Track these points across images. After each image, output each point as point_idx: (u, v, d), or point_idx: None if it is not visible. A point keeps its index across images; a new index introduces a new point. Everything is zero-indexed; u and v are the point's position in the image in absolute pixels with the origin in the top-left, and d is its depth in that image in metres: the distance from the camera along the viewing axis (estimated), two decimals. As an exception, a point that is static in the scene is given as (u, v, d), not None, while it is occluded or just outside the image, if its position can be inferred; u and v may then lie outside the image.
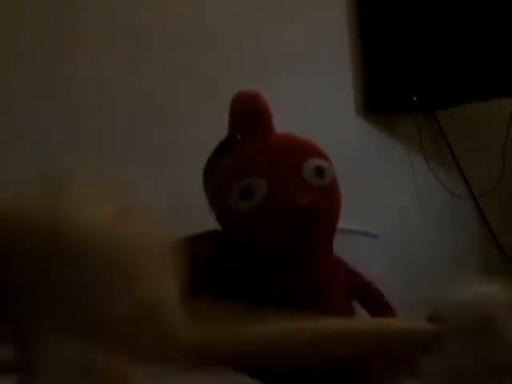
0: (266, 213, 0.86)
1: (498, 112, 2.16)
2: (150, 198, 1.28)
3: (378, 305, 0.98)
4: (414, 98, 1.82)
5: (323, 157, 0.92)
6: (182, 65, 1.44)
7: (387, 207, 1.87)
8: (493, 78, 1.80)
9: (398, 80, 1.83)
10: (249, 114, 0.93)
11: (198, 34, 1.48)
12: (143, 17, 1.40)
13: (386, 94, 1.84)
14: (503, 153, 2.16)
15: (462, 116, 2.08)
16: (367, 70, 1.86)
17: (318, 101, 1.69)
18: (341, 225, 0.99)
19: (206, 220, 1.01)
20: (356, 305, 1.03)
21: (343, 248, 1.01)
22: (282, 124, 1.59)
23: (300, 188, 0.87)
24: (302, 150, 0.92)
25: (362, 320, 0.60)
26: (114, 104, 1.32)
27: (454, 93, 1.85)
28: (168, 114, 1.40)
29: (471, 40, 1.78)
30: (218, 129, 1.49)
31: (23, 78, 1.22)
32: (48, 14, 1.26)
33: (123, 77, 1.35)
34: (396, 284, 1.79)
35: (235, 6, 1.56)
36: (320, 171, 0.88)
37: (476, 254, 2.19)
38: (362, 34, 1.87)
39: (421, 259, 1.94)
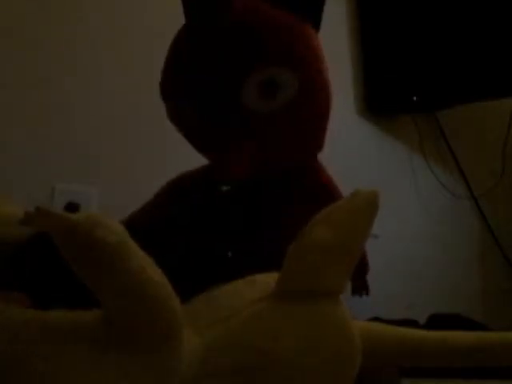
0: None
1: (498, 112, 2.16)
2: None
3: None
4: (414, 98, 1.82)
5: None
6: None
7: (387, 207, 1.87)
8: (493, 78, 1.80)
9: (398, 80, 1.83)
10: None
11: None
12: (144, 18, 1.40)
13: (386, 94, 1.84)
14: (503, 153, 2.16)
15: (461, 116, 2.08)
16: (367, 71, 1.86)
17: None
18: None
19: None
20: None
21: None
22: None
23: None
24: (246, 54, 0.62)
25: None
26: (113, 104, 1.32)
27: (454, 93, 1.85)
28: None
29: (471, 40, 1.78)
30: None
31: (23, 77, 1.22)
32: (48, 15, 1.26)
33: (123, 77, 1.35)
34: (396, 284, 1.79)
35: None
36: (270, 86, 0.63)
37: (476, 253, 2.19)
38: (362, 34, 1.87)
39: (421, 259, 1.94)
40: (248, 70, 0.61)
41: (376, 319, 1.19)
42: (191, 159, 1.44)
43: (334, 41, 1.82)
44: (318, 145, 0.72)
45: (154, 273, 0.45)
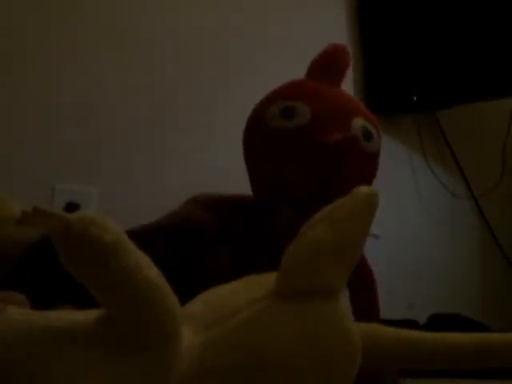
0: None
1: (497, 112, 2.16)
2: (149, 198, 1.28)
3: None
4: (414, 98, 1.82)
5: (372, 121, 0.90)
6: (183, 66, 1.45)
7: (387, 207, 1.87)
8: (493, 78, 1.80)
9: (398, 80, 1.83)
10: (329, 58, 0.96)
11: (198, 34, 1.48)
12: (144, 18, 1.40)
13: (386, 93, 1.84)
14: (503, 153, 2.17)
15: (461, 116, 2.08)
16: (367, 71, 1.86)
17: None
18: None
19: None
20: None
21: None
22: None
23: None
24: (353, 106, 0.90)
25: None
26: (113, 104, 1.33)
27: (454, 93, 1.86)
28: (168, 114, 1.41)
29: (471, 40, 1.78)
30: (217, 129, 1.49)
31: (23, 77, 1.22)
32: (48, 15, 1.26)
33: (123, 77, 1.35)
34: (396, 284, 1.79)
35: (235, 8, 1.56)
36: (367, 134, 0.86)
37: (476, 253, 2.19)
38: (362, 34, 1.87)
39: (421, 259, 1.95)
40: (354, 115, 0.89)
41: (376, 319, 1.19)
42: (191, 159, 1.44)
43: (334, 41, 1.81)
44: None
45: (151, 272, 0.45)
